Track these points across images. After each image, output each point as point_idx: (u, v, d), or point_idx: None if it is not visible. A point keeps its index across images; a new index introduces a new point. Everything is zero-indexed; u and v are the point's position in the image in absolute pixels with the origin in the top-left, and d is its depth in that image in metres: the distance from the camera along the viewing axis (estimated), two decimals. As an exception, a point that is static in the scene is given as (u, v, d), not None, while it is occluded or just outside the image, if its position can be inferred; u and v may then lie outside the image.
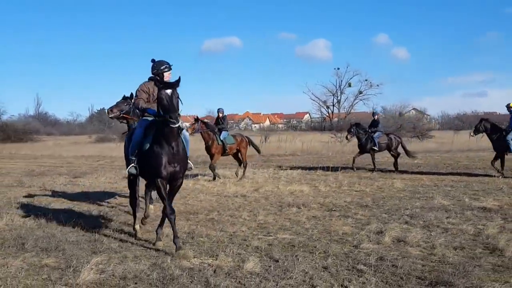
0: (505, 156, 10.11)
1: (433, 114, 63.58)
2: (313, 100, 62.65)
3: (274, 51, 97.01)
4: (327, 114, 62.43)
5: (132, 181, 5.19)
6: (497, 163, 10.17)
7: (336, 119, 57.98)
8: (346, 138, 12.89)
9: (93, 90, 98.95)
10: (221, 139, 10.60)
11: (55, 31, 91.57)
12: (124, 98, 6.56)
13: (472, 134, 10.91)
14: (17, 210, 6.60)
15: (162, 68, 4.73)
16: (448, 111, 63.01)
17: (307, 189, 8.70)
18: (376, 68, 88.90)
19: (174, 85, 4.19)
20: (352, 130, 12.35)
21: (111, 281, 3.42)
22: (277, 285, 3.32)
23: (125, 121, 6.53)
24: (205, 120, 11.72)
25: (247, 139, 11.38)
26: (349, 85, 60.70)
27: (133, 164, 4.59)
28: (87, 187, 9.44)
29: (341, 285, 3.32)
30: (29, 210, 6.65)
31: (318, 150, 22.46)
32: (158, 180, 4.28)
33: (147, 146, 4.41)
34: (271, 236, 4.89)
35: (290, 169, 12.73)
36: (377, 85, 59.09)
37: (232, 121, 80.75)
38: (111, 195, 8.23)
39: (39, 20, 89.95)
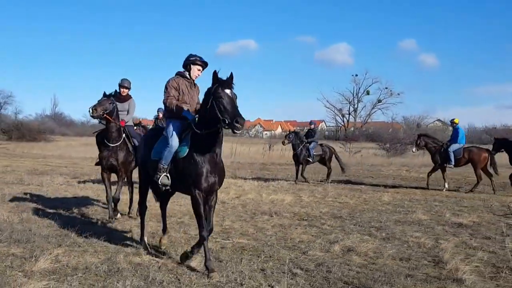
0: (446, 167, 11.16)
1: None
2: (328, 108, 62.13)
3: (292, 55, 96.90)
4: (342, 123, 61.88)
5: (145, 189, 4.76)
6: (434, 175, 11.57)
7: (352, 128, 57.55)
8: (283, 143, 12.83)
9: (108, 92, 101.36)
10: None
11: (74, 33, 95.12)
12: (107, 96, 6.35)
13: (413, 150, 11.96)
14: (6, 206, 7.20)
15: (192, 59, 4.34)
16: (476, 124, 61.34)
17: (289, 198, 9.03)
18: (401, 75, 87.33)
19: (231, 83, 3.77)
20: (290, 136, 12.34)
21: (63, 270, 3.87)
22: (209, 281, 3.71)
23: (104, 121, 6.33)
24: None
25: None
26: (367, 93, 59.99)
27: (165, 174, 4.08)
28: (80, 188, 10.05)
29: (269, 285, 3.67)
30: (18, 206, 7.25)
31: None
32: (196, 193, 3.89)
33: (185, 152, 3.97)
34: (229, 240, 5.27)
35: (277, 179, 13.07)
36: (398, 94, 57.60)
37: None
38: (99, 195, 8.79)
39: (59, 22, 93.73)
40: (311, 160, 12.09)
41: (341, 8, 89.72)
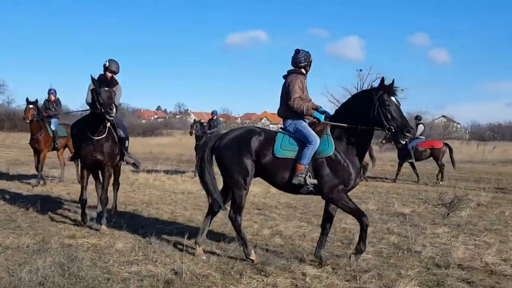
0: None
1: (463, 123, 62.07)
2: (332, 103, 62.48)
3: (302, 47, 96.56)
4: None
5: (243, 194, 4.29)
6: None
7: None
8: (190, 133, 12.83)
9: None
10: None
11: (71, 18, 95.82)
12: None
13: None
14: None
15: (311, 60, 4.40)
16: (479, 121, 61.10)
17: (258, 190, 9.36)
18: (411, 70, 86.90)
19: (395, 90, 3.97)
20: (196, 126, 12.45)
21: (-6, 249, 4.31)
22: (124, 256, 4.17)
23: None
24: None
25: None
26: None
27: (309, 173, 4.04)
28: (53, 177, 10.52)
29: (169, 256, 4.14)
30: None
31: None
32: (343, 190, 3.97)
33: (330, 151, 4.03)
34: (170, 226, 5.67)
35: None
36: (402, 90, 57.99)
37: (248, 121, 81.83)
38: (69, 186, 9.25)
39: (55, 8, 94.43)
40: None
41: (354, 0, 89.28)
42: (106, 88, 5.15)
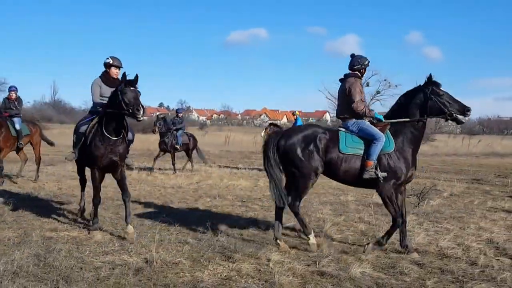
0: None
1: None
2: (329, 99, 62.64)
3: (302, 45, 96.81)
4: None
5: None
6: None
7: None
8: (153, 131, 12.62)
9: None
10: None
11: (72, 16, 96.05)
12: None
13: (261, 135, 13.21)
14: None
15: (366, 63, 4.77)
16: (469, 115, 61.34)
17: (246, 183, 9.64)
18: (406, 67, 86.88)
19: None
20: (159, 124, 12.07)
21: (-24, 242, 4.55)
22: (100, 247, 4.40)
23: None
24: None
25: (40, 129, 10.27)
26: (367, 85, 60.40)
27: (377, 168, 4.42)
28: (45, 174, 10.79)
29: (145, 246, 4.30)
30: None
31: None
32: (395, 184, 4.41)
33: (392, 147, 4.45)
34: (152, 218, 5.90)
35: (249, 168, 13.70)
36: (396, 86, 58.63)
37: (247, 117, 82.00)
38: (61, 182, 9.51)
39: (55, 6, 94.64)
40: (179, 148, 12.10)
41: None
42: (132, 88, 4.88)
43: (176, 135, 12.18)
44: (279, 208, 4.68)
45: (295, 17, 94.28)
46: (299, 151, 4.53)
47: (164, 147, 12.19)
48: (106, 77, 5.51)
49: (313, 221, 5.81)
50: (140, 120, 5.06)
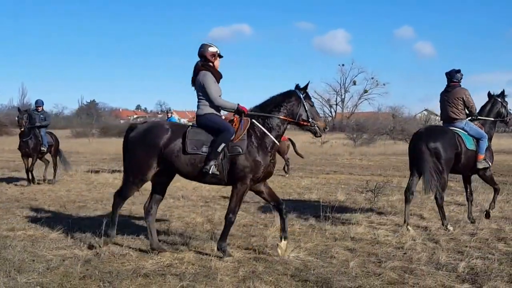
0: None
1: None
2: (315, 99, 63.63)
3: (288, 41, 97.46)
4: (330, 114, 63.27)
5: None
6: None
7: (340, 119, 59.01)
8: (20, 128, 10.10)
9: (83, 82, 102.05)
10: None
11: (44, 19, 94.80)
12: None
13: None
14: None
15: (462, 76, 6.13)
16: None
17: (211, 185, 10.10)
18: (397, 63, 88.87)
19: None
20: (25, 117, 9.92)
21: None
22: (54, 243, 4.79)
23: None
24: None
25: None
26: (354, 83, 61.64)
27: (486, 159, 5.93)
28: (12, 180, 11.01)
29: (97, 242, 4.73)
30: None
31: (290, 150, 23.82)
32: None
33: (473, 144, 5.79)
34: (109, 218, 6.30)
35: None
36: (383, 84, 59.86)
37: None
38: (23, 187, 9.77)
39: (25, 8, 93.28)
40: (45, 150, 10.44)
41: None
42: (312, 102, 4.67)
43: (41, 135, 10.19)
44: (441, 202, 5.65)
45: (280, 12, 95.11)
46: (448, 149, 5.64)
47: (27, 151, 10.02)
48: (212, 71, 4.61)
49: (258, 216, 6.28)
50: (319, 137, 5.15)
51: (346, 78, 62.42)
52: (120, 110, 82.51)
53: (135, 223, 6.01)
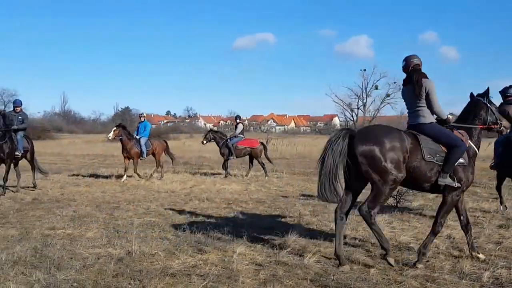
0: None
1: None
2: (336, 103, 63.02)
3: (311, 48, 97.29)
4: (351, 118, 62.53)
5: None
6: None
7: (362, 123, 58.25)
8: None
9: (119, 89, 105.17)
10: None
11: (82, 30, 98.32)
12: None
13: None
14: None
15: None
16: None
17: (237, 187, 10.21)
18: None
19: None
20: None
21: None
22: (90, 242, 4.95)
23: None
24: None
25: None
26: (376, 88, 60.76)
27: None
28: (51, 181, 11.48)
29: (129, 241, 4.88)
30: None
31: (311, 154, 23.64)
32: None
33: None
34: (141, 218, 6.49)
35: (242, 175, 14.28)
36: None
37: (254, 123, 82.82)
38: (64, 188, 10.19)
39: (66, 20, 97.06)
40: (19, 156, 9.37)
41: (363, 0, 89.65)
42: None
43: (17, 139, 9.08)
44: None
45: (303, 20, 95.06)
46: None
47: (1, 156, 8.76)
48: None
49: (257, 215, 6.32)
50: None
51: (367, 83, 61.59)
52: (152, 115, 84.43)
53: (160, 223, 6.15)
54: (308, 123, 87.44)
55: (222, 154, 13.05)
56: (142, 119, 12.76)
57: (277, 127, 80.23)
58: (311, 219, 6.49)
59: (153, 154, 12.53)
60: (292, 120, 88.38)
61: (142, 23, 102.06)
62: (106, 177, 12.10)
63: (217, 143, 13.17)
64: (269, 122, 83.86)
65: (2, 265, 4.07)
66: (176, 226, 5.88)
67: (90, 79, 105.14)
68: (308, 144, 29.21)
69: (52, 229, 5.68)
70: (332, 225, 5.01)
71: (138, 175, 11.92)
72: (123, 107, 70.52)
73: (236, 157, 12.94)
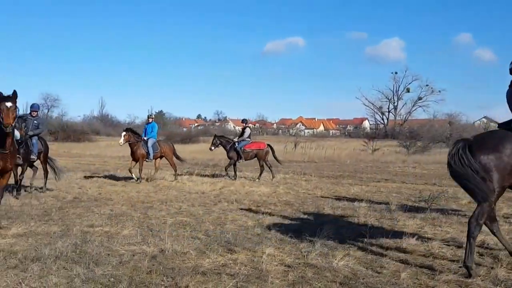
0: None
1: None
2: (367, 106, 61.94)
3: (341, 51, 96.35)
4: (382, 121, 61.26)
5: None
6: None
7: (393, 126, 56.92)
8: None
9: (153, 94, 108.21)
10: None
11: (122, 37, 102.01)
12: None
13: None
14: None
15: None
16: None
17: (266, 190, 10.21)
18: (455, 71, 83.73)
19: None
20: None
21: (28, 233, 5.45)
22: (126, 240, 5.09)
23: None
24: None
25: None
26: (408, 91, 59.29)
27: None
28: (90, 181, 11.94)
29: (162, 240, 4.98)
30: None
31: (341, 158, 23.31)
32: None
33: None
34: (173, 218, 6.62)
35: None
36: (439, 91, 57.12)
37: (283, 126, 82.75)
38: (101, 188, 10.57)
39: (107, 25, 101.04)
40: (35, 159, 9.36)
41: (393, 1, 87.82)
42: None
43: (32, 143, 9.02)
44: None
45: (334, 23, 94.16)
46: None
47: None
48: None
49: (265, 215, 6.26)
50: None
51: (399, 86, 60.21)
52: (183, 119, 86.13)
53: (191, 223, 6.25)
54: (337, 126, 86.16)
55: (230, 158, 13.06)
56: (150, 120, 12.54)
57: (306, 131, 79.62)
58: (340, 222, 6.39)
59: (161, 157, 12.40)
60: (321, 124, 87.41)
61: (175, 30, 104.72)
62: (139, 178, 12.40)
63: (224, 147, 13.15)
64: (297, 126, 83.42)
65: (46, 259, 4.27)
66: (207, 226, 5.96)
67: (127, 84, 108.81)
68: (337, 147, 28.88)
69: (91, 227, 5.89)
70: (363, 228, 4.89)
71: (138, 177, 11.54)
72: (157, 111, 72.36)
73: (245, 160, 12.99)
